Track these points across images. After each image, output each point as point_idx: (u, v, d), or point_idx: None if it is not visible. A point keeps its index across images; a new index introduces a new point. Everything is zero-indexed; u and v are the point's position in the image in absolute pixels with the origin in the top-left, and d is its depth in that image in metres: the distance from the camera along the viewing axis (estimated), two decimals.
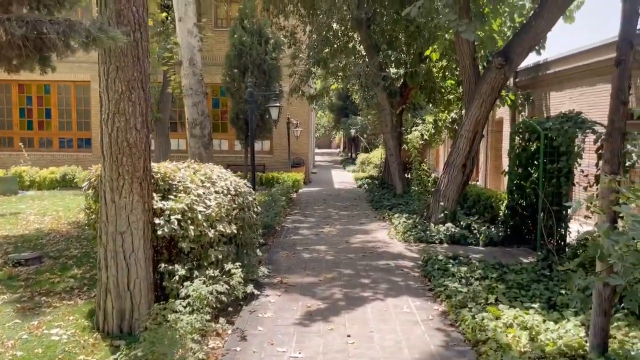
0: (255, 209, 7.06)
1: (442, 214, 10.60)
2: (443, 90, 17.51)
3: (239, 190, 6.55)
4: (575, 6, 11.86)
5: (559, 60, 13.70)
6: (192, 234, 5.47)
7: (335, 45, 15.45)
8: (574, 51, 12.78)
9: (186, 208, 5.49)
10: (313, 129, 32.76)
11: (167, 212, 5.40)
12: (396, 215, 11.75)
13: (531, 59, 14.64)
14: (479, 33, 9.57)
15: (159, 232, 5.30)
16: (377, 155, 26.43)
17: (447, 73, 17.14)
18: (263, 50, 11.13)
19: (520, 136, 9.63)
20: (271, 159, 22.07)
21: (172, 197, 5.59)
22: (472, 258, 8.25)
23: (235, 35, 11.40)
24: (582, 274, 3.56)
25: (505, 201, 10.48)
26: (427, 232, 10.10)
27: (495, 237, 9.79)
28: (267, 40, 11.45)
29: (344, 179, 25.07)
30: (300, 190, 18.85)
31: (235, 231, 6.29)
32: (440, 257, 7.98)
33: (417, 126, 18.90)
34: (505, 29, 11.35)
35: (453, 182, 10.64)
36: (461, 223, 10.66)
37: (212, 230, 5.74)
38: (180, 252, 5.61)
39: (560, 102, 13.94)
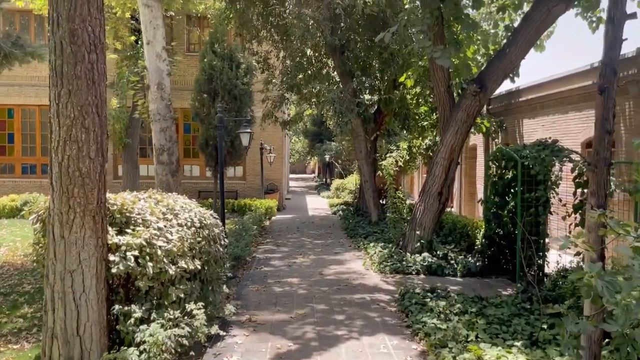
0: (222, 242, 6.63)
1: (419, 243, 10.32)
2: (417, 117, 17.46)
3: (204, 222, 6.13)
4: (546, 35, 11.97)
5: (531, 88, 13.77)
6: (151, 272, 5.02)
7: (309, 72, 15.27)
8: (546, 79, 12.86)
9: (144, 243, 5.04)
10: (287, 154, 32.49)
11: (123, 248, 4.95)
12: (371, 245, 11.42)
13: (504, 87, 14.76)
14: (453, 60, 9.47)
15: (114, 270, 4.84)
16: (352, 181, 26.23)
17: (421, 100, 17.12)
18: (234, 74, 10.81)
19: (496, 164, 9.48)
20: (244, 185, 21.62)
21: (129, 231, 5.14)
22: (451, 290, 7.94)
23: (205, 60, 11.08)
24: (574, 318, 3.25)
25: (482, 230, 10.27)
26: (404, 263, 9.78)
27: (473, 268, 9.53)
28: (239, 65, 11.14)
29: (318, 205, 24.72)
30: (273, 218, 18.41)
31: (200, 267, 5.85)
32: (417, 290, 7.64)
33: (391, 152, 18.80)
34: (479, 57, 11.34)
35: (429, 211, 10.39)
36: (438, 252, 10.39)
37: (174, 267, 5.29)
38: (138, 291, 5.14)
39: (533, 129, 13.97)
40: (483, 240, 9.76)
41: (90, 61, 4.73)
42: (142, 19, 11.12)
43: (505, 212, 9.44)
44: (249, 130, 9.47)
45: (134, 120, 16.31)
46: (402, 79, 11.19)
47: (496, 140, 16.02)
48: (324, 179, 40.68)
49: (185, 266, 5.45)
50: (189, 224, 5.83)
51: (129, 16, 14.15)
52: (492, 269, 9.52)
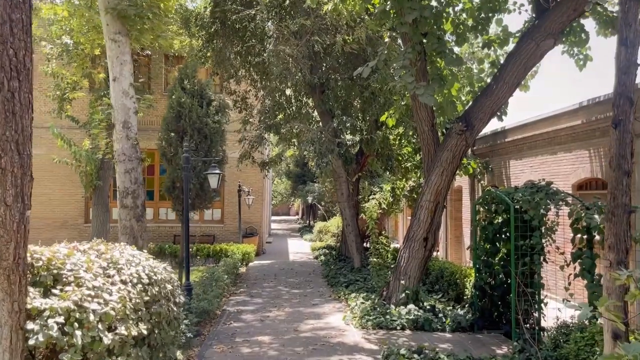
0: (177, 299, 5.75)
1: (404, 294, 9.48)
2: (400, 158, 16.92)
3: (154, 277, 5.26)
4: (530, 75, 11.57)
5: (517, 128, 13.31)
6: (80, 342, 4.13)
7: (289, 111, 14.72)
8: (532, 119, 12.40)
9: (73, 307, 4.17)
10: (269, 196, 31.69)
11: (46, 314, 4.07)
12: (353, 295, 10.54)
13: (489, 127, 14.31)
14: (437, 97, 8.91)
15: (31, 342, 3.95)
16: (335, 223, 25.44)
17: (404, 140, 16.62)
18: (204, 112, 10.13)
19: (485, 207, 8.80)
20: (222, 228, 20.69)
21: (57, 291, 4.28)
22: (440, 350, 7.07)
23: (174, 96, 10.42)
24: None
25: (472, 279, 9.50)
26: (388, 317, 8.91)
27: (464, 322, 8.69)
28: (210, 102, 10.47)
29: (300, 248, 23.79)
30: (251, 263, 17.45)
31: (147, 331, 4.96)
32: (402, 351, 6.77)
33: (374, 194, 18.16)
34: (464, 96, 10.85)
35: (414, 258, 9.61)
36: (424, 304, 9.56)
37: (111, 334, 4.40)
38: None
39: (520, 170, 13.43)
40: (473, 290, 8.97)
41: (11, 89, 3.99)
42: (109, 54, 10.49)
43: (497, 260, 8.70)
44: (217, 171, 8.70)
45: (106, 162, 15.52)
46: (383, 118, 10.62)
47: (482, 182, 15.47)
48: (307, 221, 39.82)
49: (126, 332, 4.56)
50: (134, 280, 4.97)
51: (98, 53, 13.53)
52: (484, 323, 8.69)
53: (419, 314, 8.94)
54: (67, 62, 15.05)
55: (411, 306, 9.19)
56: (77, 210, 20.89)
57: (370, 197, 17.63)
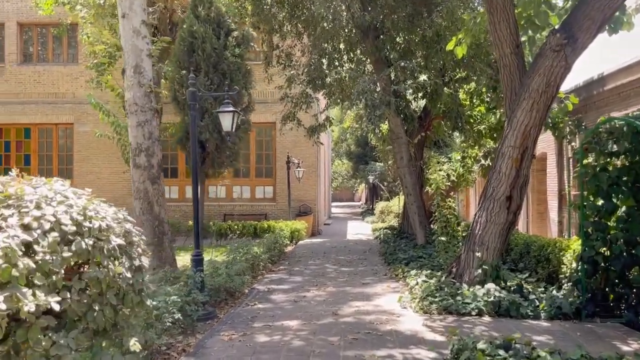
0: (136, 263, 3.85)
1: (480, 270, 7.22)
2: (472, 120, 14.44)
3: (85, 225, 3.38)
4: (634, 10, 8.77)
5: (622, 70, 10.50)
6: None
7: (337, 62, 12.63)
8: None
9: None
10: (327, 175, 29.76)
11: None
12: (413, 272, 8.35)
13: (581, 76, 11.60)
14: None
15: None
16: (398, 203, 23.18)
17: (475, 100, 14.13)
18: (221, 44, 8.24)
19: (598, 147, 6.32)
20: (274, 207, 19.03)
21: None
22: (537, 344, 4.82)
23: (185, 26, 8.58)
24: None
25: (574, 250, 7.07)
26: (458, 298, 6.70)
27: (565, 306, 6.31)
28: (229, 32, 8.55)
29: (360, 230, 21.76)
30: (301, 242, 15.61)
31: (64, 305, 3.13)
32: (481, 345, 4.56)
33: (442, 165, 15.78)
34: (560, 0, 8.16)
35: (494, 223, 7.30)
36: (507, 284, 7.26)
37: None
38: None
39: None
40: (579, 264, 6.54)
41: None
42: None
43: (613, 221, 6.26)
44: (230, 108, 6.78)
45: None
46: (450, 46, 8.30)
47: (573, 144, 12.69)
48: (371, 205, 37.68)
49: (7, 306, 2.73)
50: (46, 226, 3.13)
51: None
52: (594, 308, 6.27)
53: (502, 295, 6.66)
54: (102, 26, 13.69)
55: (490, 285, 6.92)
56: (125, 189, 19.85)
57: (438, 168, 15.33)
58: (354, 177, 37.83)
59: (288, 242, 14.32)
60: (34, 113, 19.50)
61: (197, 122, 7.69)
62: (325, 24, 11.36)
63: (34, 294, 2.92)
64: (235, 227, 15.86)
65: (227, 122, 6.86)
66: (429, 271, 8.33)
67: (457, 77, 13.19)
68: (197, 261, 6.51)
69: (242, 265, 8.00)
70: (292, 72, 12.70)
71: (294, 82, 12.99)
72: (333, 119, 14.78)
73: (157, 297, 5.00)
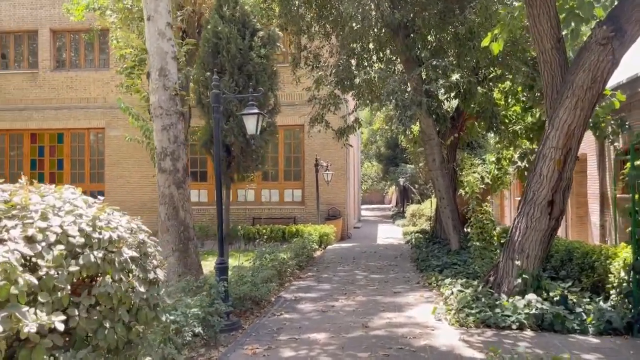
0: (151, 276, 3.60)
1: (520, 279, 6.77)
2: (507, 120, 13.86)
3: (95, 236, 3.14)
4: None
5: None
6: None
7: (366, 63, 12.28)
8: None
9: None
10: (356, 177, 29.37)
11: None
12: (448, 281, 7.94)
13: (625, 73, 10.94)
14: None
15: None
16: (429, 205, 22.62)
17: (510, 98, 13.57)
18: (247, 44, 7.98)
19: None
20: (303, 210, 18.77)
21: None
22: None
23: (209, 26, 8.35)
24: None
25: (626, 258, 6.55)
26: (497, 310, 6.28)
27: (617, 321, 5.83)
28: (254, 32, 8.28)
29: (390, 234, 21.31)
30: (329, 247, 15.29)
31: (72, 323, 2.90)
32: None
33: (476, 167, 15.25)
34: None
35: (534, 230, 6.84)
36: (550, 294, 6.79)
37: None
38: None
39: None
40: (631, 274, 6.04)
41: None
42: None
43: None
44: (255, 110, 6.51)
45: None
46: (485, 42, 7.86)
47: (616, 144, 12.01)
48: (401, 207, 37.10)
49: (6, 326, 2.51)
50: (50, 238, 2.91)
51: None
52: None
53: (544, 307, 6.21)
54: (130, 29, 13.70)
55: (531, 296, 6.47)
56: (154, 193, 19.91)
57: (471, 169, 14.79)
58: (384, 179, 37.29)
59: (316, 247, 14.04)
60: (67, 118, 19.75)
61: (222, 125, 7.46)
62: (353, 24, 11.06)
63: (36, 313, 2.70)
64: (264, 231, 15.66)
65: (251, 124, 6.60)
66: (464, 280, 7.90)
67: (492, 75, 12.69)
68: (221, 270, 6.26)
69: (269, 272, 7.73)
70: (319, 73, 12.41)
71: (322, 84, 12.71)
72: (362, 120, 14.43)
73: (175, 311, 4.76)
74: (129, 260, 3.30)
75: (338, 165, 18.89)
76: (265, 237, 15.14)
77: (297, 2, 12.70)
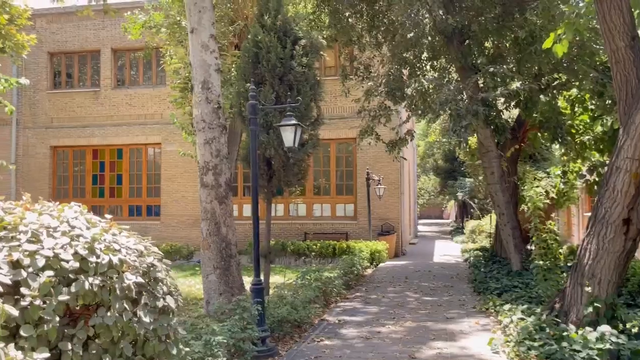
0: (162, 303, 3.23)
1: (590, 308, 5.98)
2: (574, 130, 12.86)
3: (92, 260, 2.82)
4: None
5: None
6: None
7: (418, 72, 11.73)
8: None
9: None
10: (412, 192, 28.51)
11: None
12: (507, 307, 7.19)
13: None
14: None
15: None
16: (490, 221, 21.49)
17: (577, 107, 12.59)
18: (287, 53, 7.62)
19: None
20: (355, 225, 18.27)
21: None
22: None
23: (249, 36, 8.08)
24: None
25: None
26: (564, 344, 5.52)
27: None
28: (296, 41, 7.93)
29: (448, 251, 20.38)
30: (382, 264, 14.67)
31: (72, 358, 2.57)
32: None
33: (539, 181, 14.22)
34: None
35: (607, 252, 6.04)
36: (627, 326, 5.95)
37: None
38: None
39: None
40: None
41: None
42: (186, 0, 8.64)
43: None
44: (293, 121, 6.14)
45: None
46: (547, 44, 7.16)
47: None
48: (460, 223, 35.76)
49: None
50: (38, 262, 2.59)
51: None
52: None
53: (620, 341, 5.40)
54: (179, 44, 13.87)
55: (604, 328, 5.67)
56: None
57: (535, 184, 13.80)
58: (441, 193, 36.12)
59: (368, 265, 13.48)
60: (126, 134, 20.28)
61: (260, 137, 7.14)
62: (405, 32, 10.54)
63: (20, 349, 2.39)
64: (314, 247, 15.28)
65: (289, 136, 6.24)
66: (525, 306, 7.13)
67: (556, 82, 11.79)
68: (257, 291, 5.88)
69: (311, 293, 7.28)
70: (369, 83, 11.95)
71: (372, 95, 12.25)
72: (415, 132, 13.81)
73: (199, 339, 4.40)
74: (132, 286, 2.95)
75: (392, 179, 18.28)
76: (313, 253, 14.78)
77: (347, 12, 12.38)
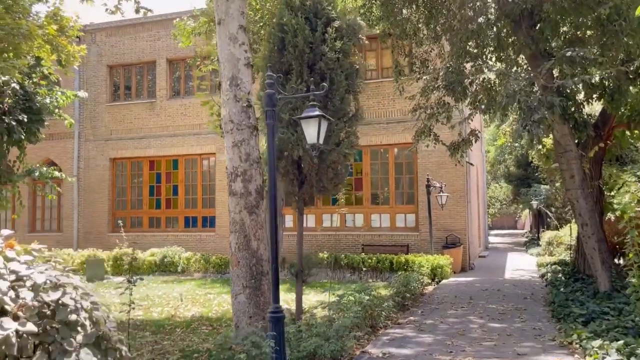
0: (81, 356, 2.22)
1: None
2: None
3: None
4: None
5: None
6: None
7: (481, 62, 10.32)
8: None
9: None
10: (481, 200, 26.50)
11: None
12: (597, 343, 5.68)
13: None
14: None
15: None
16: (569, 232, 19.30)
17: None
18: (318, 37, 6.50)
19: None
20: (417, 237, 16.86)
21: None
22: None
23: (275, 20, 7.07)
24: None
25: None
26: None
27: None
28: (328, 23, 6.76)
29: (522, 265, 18.46)
30: (444, 280, 13.19)
31: None
32: None
33: (628, 185, 12.28)
34: None
35: None
36: None
37: None
38: None
39: None
40: None
41: None
42: None
43: None
44: (316, 112, 5.03)
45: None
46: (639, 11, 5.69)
47: None
48: (535, 233, 33.10)
49: None
50: None
51: None
52: None
53: None
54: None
55: None
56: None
57: (624, 188, 11.89)
58: (514, 202, 33.64)
59: (428, 281, 12.10)
60: (181, 145, 20.08)
61: (283, 135, 6.10)
62: (466, 15, 9.22)
63: None
64: (370, 260, 14.05)
65: (312, 130, 5.16)
66: (621, 342, 5.59)
67: None
68: (275, 321, 4.79)
69: (349, 320, 6.12)
70: (425, 77, 10.67)
71: (429, 91, 10.96)
72: (479, 132, 12.33)
73: None
74: (12, 339, 1.96)
75: (457, 187, 16.73)
76: (366, 267, 13.55)
77: (401, 3, 11.22)
